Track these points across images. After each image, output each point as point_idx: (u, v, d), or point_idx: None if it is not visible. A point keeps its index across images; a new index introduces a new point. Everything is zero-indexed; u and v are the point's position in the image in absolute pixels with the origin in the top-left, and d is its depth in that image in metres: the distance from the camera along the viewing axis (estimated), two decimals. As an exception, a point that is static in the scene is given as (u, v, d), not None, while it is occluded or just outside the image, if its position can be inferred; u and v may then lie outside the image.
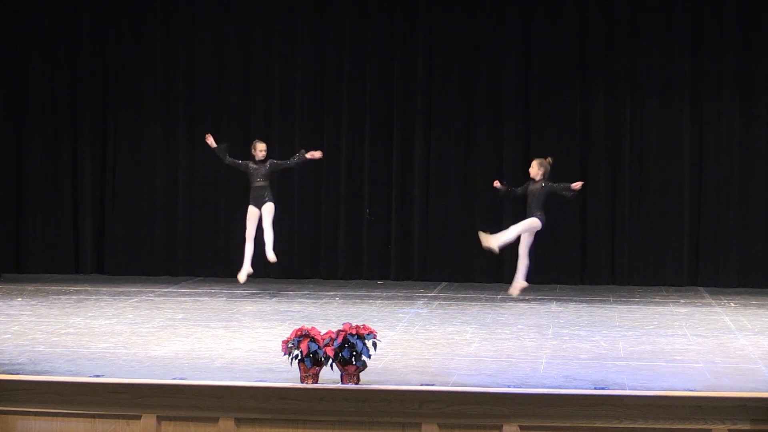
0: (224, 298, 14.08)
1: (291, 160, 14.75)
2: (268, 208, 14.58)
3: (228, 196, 16.55)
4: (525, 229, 13.86)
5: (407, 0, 16.35)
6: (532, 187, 14.00)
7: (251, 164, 14.64)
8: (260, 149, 14.65)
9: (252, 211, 14.61)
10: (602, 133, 16.01)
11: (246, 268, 14.52)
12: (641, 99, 15.97)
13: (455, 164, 16.26)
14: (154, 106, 16.64)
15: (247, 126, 16.53)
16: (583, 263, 15.97)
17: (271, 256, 14.48)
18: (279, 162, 14.76)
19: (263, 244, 14.51)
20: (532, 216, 13.86)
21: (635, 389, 8.34)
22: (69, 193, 16.73)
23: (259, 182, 14.60)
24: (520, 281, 13.95)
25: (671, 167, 15.91)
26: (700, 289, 15.48)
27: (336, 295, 14.48)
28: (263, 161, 14.63)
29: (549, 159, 14.10)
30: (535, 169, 13.99)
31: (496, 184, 14.34)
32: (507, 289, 14.09)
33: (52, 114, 16.73)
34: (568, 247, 15.89)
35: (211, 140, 14.67)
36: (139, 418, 8.14)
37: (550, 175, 14.03)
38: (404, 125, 16.32)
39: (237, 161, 14.67)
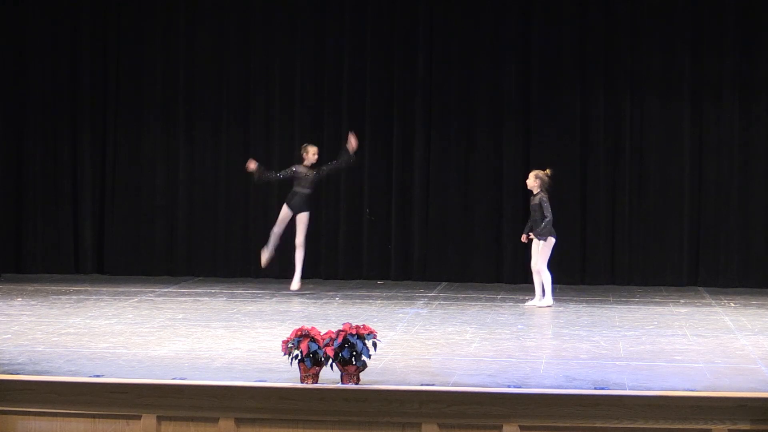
0: (224, 298, 14.08)
1: (338, 160, 14.52)
2: (305, 218, 14.44)
3: (228, 196, 16.56)
4: (545, 256, 13.54)
5: (407, 0, 16.35)
6: (533, 202, 13.66)
7: (301, 169, 14.43)
8: (313, 153, 14.43)
9: (286, 213, 14.42)
10: (602, 133, 16.01)
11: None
12: (641, 99, 15.97)
13: (455, 164, 16.26)
14: (154, 106, 16.64)
15: (247, 126, 16.53)
16: (583, 263, 15.98)
17: (296, 284, 14.49)
18: (331, 165, 14.54)
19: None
20: (538, 235, 13.52)
21: (635, 389, 8.34)
22: (69, 193, 16.73)
23: (305, 189, 14.39)
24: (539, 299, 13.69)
25: (671, 167, 15.92)
26: (700, 289, 15.49)
27: (336, 295, 14.48)
28: (314, 166, 14.44)
29: (547, 170, 13.73)
30: (531, 181, 13.65)
31: (524, 239, 13.79)
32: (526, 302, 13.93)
33: (52, 114, 16.72)
34: (568, 247, 15.88)
35: (252, 165, 14.38)
36: (139, 418, 8.14)
37: (551, 186, 13.73)
38: (404, 125, 16.32)
39: (287, 172, 14.44)
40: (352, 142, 14.44)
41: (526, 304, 13.71)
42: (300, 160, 14.58)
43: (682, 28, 15.87)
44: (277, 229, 14.52)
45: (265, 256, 14.60)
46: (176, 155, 16.64)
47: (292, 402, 8.07)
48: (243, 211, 16.55)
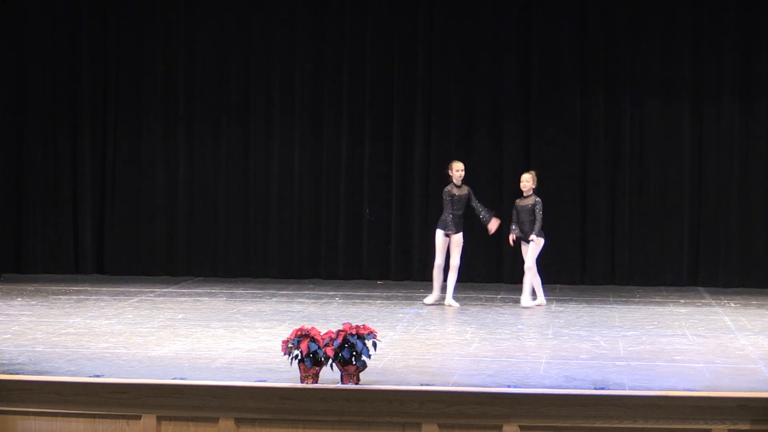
0: (224, 298, 14.08)
1: (479, 208, 13.70)
2: (460, 239, 13.69)
3: (228, 196, 16.56)
4: (535, 254, 13.52)
5: (407, 0, 16.35)
6: (522, 202, 13.67)
7: (455, 191, 13.66)
8: (456, 168, 13.68)
9: (443, 239, 13.61)
10: (602, 133, 16.02)
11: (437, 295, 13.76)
12: (641, 99, 15.97)
13: (455, 164, 16.25)
14: (154, 106, 16.65)
15: (247, 126, 16.54)
16: (583, 263, 15.98)
17: (451, 301, 13.57)
18: (479, 208, 13.70)
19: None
20: (534, 236, 13.50)
21: (635, 389, 8.34)
22: (69, 193, 16.74)
23: (459, 211, 13.64)
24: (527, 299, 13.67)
25: (671, 167, 15.92)
26: (700, 289, 15.49)
27: (336, 295, 14.48)
28: (462, 185, 13.71)
29: (533, 171, 13.79)
30: (531, 183, 13.61)
31: (510, 241, 13.73)
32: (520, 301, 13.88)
33: (52, 114, 16.73)
34: (568, 247, 15.89)
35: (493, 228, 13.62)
36: (139, 418, 8.14)
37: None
38: (404, 125, 16.33)
39: (447, 197, 13.55)
40: (492, 228, 13.82)
41: (521, 304, 13.66)
42: (446, 180, 13.87)
43: (682, 28, 15.87)
44: (440, 260, 13.60)
45: (436, 298, 13.76)
46: (176, 155, 16.64)
47: (292, 402, 8.07)
48: (243, 211, 16.55)
